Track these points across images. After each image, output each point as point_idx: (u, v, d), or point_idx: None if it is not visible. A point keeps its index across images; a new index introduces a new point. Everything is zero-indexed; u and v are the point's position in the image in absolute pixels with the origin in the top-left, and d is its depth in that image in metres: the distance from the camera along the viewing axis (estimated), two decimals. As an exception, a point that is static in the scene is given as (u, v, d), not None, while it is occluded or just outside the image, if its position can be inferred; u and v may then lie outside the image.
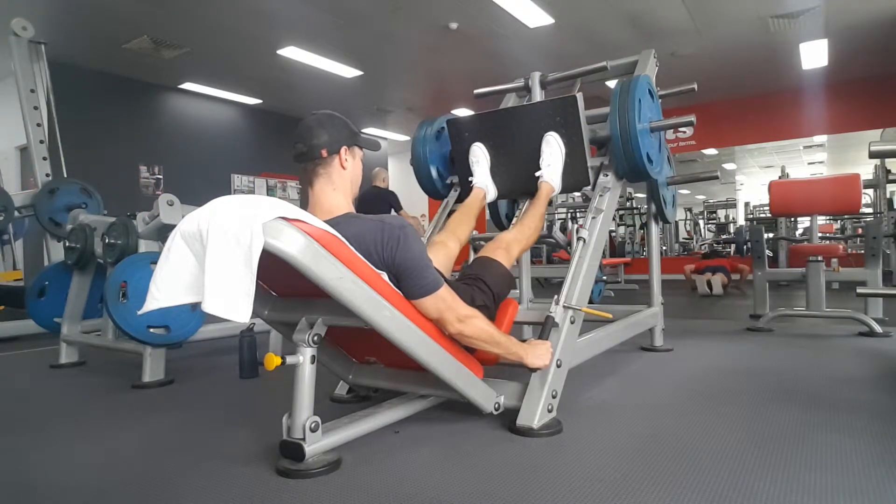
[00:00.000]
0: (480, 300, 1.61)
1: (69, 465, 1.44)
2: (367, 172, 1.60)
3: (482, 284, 1.66)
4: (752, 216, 10.27)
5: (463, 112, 8.80)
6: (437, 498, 1.16)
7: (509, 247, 1.85)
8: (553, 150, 2.07)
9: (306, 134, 1.45)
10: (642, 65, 2.52)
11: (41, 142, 4.27)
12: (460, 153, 2.28)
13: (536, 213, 1.99)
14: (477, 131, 2.22)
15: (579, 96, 2.04)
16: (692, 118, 2.19)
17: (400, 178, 11.20)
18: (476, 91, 2.68)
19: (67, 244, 2.80)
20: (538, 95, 2.48)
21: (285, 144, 1.49)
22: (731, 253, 8.21)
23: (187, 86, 7.38)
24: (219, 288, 1.08)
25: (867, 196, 6.99)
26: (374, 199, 5.28)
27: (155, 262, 1.34)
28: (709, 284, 5.87)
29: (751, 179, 11.74)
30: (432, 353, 1.38)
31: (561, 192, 2.15)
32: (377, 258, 1.34)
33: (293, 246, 1.11)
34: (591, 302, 2.97)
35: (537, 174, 2.07)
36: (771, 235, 6.48)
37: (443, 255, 1.81)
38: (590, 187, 2.09)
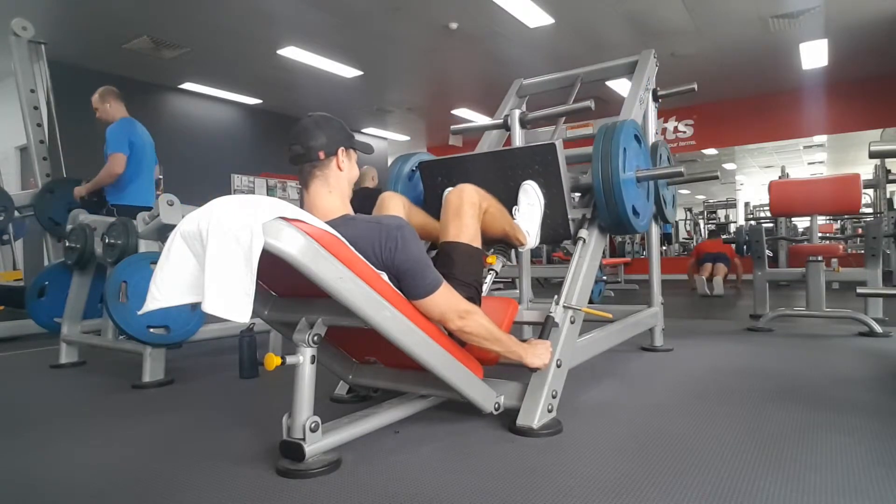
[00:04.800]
0: (465, 293, 1.53)
1: (69, 465, 1.44)
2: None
3: (455, 282, 1.55)
4: (752, 216, 10.26)
5: (463, 113, 8.81)
6: (436, 498, 1.16)
7: (472, 205, 1.64)
8: (531, 200, 1.96)
9: (303, 135, 1.44)
10: (642, 65, 2.52)
11: (41, 142, 4.27)
12: (434, 197, 2.12)
13: (506, 215, 1.85)
14: (451, 175, 2.10)
15: (559, 144, 1.92)
16: (682, 169, 2.07)
17: (400, 178, 11.15)
18: (453, 127, 2.58)
19: (67, 244, 2.80)
20: (518, 135, 2.32)
21: (285, 144, 1.49)
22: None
23: (187, 86, 7.38)
24: (219, 288, 1.08)
25: (867, 196, 7.00)
26: (364, 200, 5.33)
27: (155, 262, 1.34)
28: (709, 285, 5.87)
29: (751, 179, 11.75)
30: (432, 353, 1.38)
31: (540, 244, 2.02)
32: (375, 260, 1.34)
33: (293, 246, 1.11)
34: (591, 302, 2.97)
35: None
36: (771, 235, 6.48)
37: (393, 210, 1.76)
38: (570, 241, 1.97)
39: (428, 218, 1.93)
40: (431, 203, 2.15)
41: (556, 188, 1.94)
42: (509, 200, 1.97)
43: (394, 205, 1.81)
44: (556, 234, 1.97)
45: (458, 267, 1.58)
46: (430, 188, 2.18)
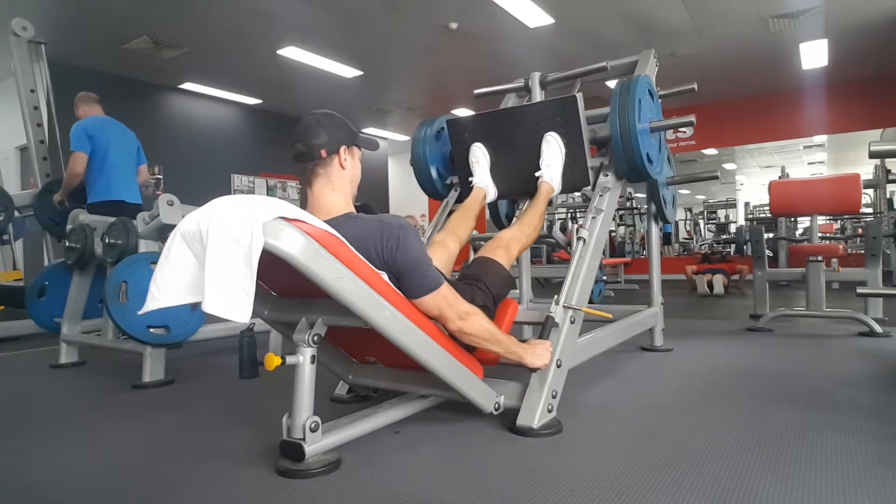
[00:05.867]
0: (481, 300, 1.62)
1: (69, 465, 1.44)
2: (365, 172, 1.60)
3: (482, 285, 1.67)
4: (752, 216, 10.26)
5: (463, 112, 8.81)
6: (436, 498, 1.16)
7: (509, 245, 1.86)
8: (553, 151, 2.07)
9: (305, 133, 1.45)
10: (642, 65, 2.52)
11: (41, 142, 4.27)
12: (460, 153, 2.28)
13: (536, 213, 2.00)
14: (477, 131, 2.23)
15: (579, 96, 2.04)
16: (692, 118, 2.18)
17: (401, 179, 11.21)
18: (476, 91, 2.69)
19: (67, 244, 2.80)
20: (538, 96, 2.47)
21: (285, 144, 1.49)
22: (731, 253, 8.21)
23: (187, 86, 7.38)
24: (219, 288, 1.08)
25: (867, 196, 6.99)
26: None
27: (155, 262, 1.34)
28: (709, 285, 5.87)
29: (751, 179, 11.73)
30: (432, 354, 1.38)
31: (561, 193, 2.15)
32: (377, 258, 1.34)
33: (293, 246, 1.11)
34: (591, 302, 2.97)
35: (537, 174, 2.07)
36: (771, 235, 6.49)
37: (443, 254, 1.81)
38: (590, 187, 2.08)
39: (469, 212, 2.08)
40: (458, 159, 2.31)
41: (577, 138, 2.06)
42: (532, 152, 2.12)
43: (438, 243, 1.90)
44: (576, 181, 2.11)
45: (489, 277, 1.71)
46: (457, 144, 2.29)
